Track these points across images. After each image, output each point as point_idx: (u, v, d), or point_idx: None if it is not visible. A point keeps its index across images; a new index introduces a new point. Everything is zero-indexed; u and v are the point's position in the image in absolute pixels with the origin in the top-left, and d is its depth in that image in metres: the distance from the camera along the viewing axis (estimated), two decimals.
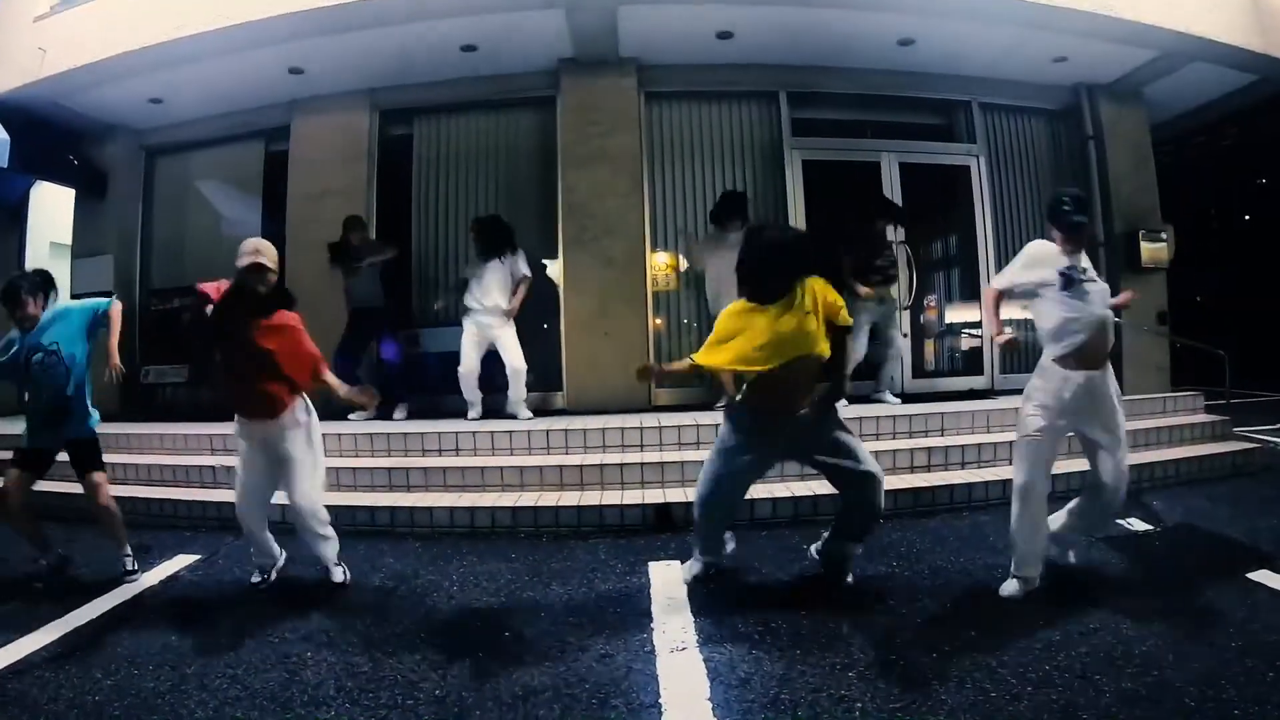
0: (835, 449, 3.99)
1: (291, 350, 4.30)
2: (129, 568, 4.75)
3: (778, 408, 3.93)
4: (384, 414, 7.47)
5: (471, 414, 7.42)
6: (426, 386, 8.28)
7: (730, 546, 4.49)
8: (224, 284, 4.28)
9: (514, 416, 7.40)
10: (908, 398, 7.74)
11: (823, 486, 5.73)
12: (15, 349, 4.61)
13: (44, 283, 4.71)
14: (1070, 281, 3.93)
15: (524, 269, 7.51)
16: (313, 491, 4.47)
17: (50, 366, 4.58)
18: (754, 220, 7.35)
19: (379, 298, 7.82)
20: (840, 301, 3.91)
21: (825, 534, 4.32)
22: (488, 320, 7.37)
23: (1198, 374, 8.64)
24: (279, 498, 4.51)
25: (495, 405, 7.52)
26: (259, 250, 4.28)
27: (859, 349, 7.39)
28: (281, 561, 4.66)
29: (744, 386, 4.05)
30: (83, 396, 4.75)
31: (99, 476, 4.75)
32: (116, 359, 4.81)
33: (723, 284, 6.66)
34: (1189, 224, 9.17)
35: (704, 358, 3.89)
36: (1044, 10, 7.28)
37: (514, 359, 7.42)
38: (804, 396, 3.94)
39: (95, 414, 4.85)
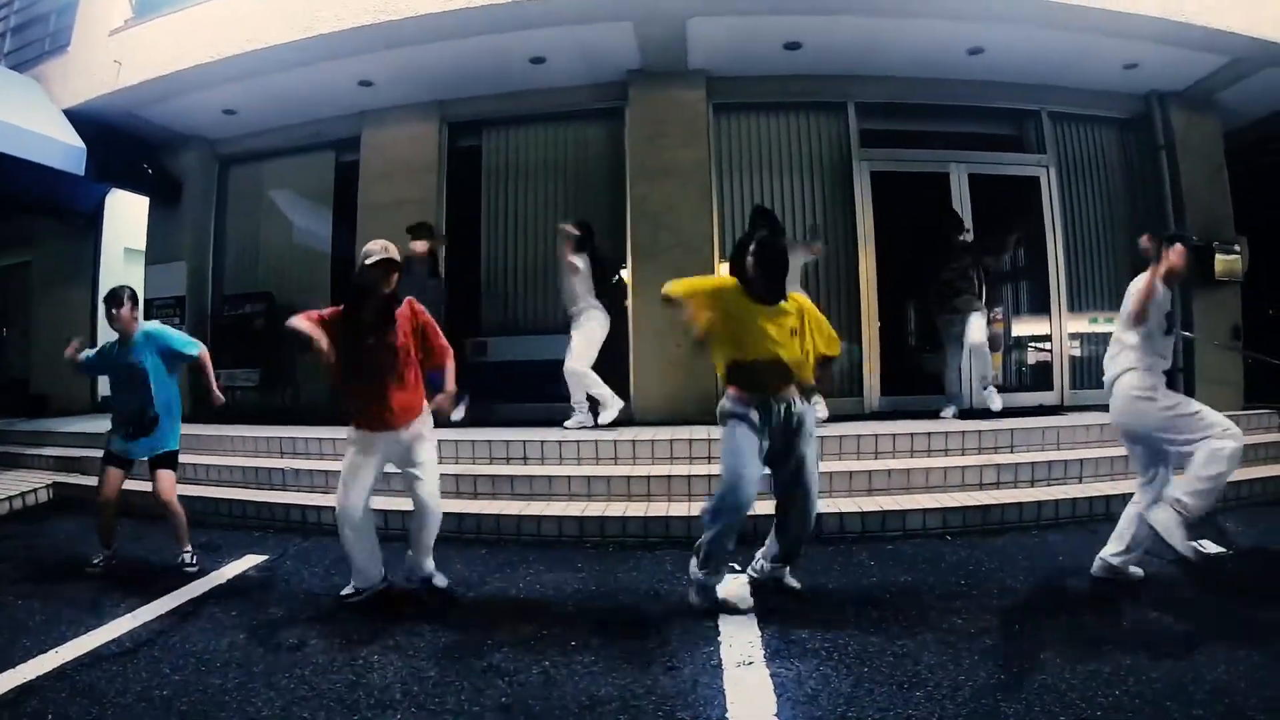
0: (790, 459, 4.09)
1: (428, 343, 4.40)
2: (189, 562, 5.00)
3: (754, 390, 4.04)
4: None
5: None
6: (495, 394, 8.40)
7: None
8: (316, 314, 4.19)
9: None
10: (973, 413, 7.64)
11: (891, 502, 5.79)
12: (111, 355, 5.03)
13: (135, 296, 5.07)
14: (1170, 328, 4.32)
15: None
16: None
17: (137, 382, 4.91)
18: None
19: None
20: (834, 335, 4.27)
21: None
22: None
23: (1273, 390, 8.43)
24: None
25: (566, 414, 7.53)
26: (387, 247, 4.20)
27: (956, 359, 7.40)
28: (382, 584, 4.43)
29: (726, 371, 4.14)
30: (170, 418, 5.07)
31: (168, 474, 5.05)
32: (218, 395, 5.31)
33: None
34: (1264, 235, 8.92)
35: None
36: (1115, 16, 7.14)
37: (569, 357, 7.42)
38: (778, 386, 4.05)
39: (179, 430, 5.17)
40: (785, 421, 4.01)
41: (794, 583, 4.36)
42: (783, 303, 4.05)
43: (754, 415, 3.97)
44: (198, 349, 5.19)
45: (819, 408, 7.01)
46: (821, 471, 5.75)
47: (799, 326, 4.07)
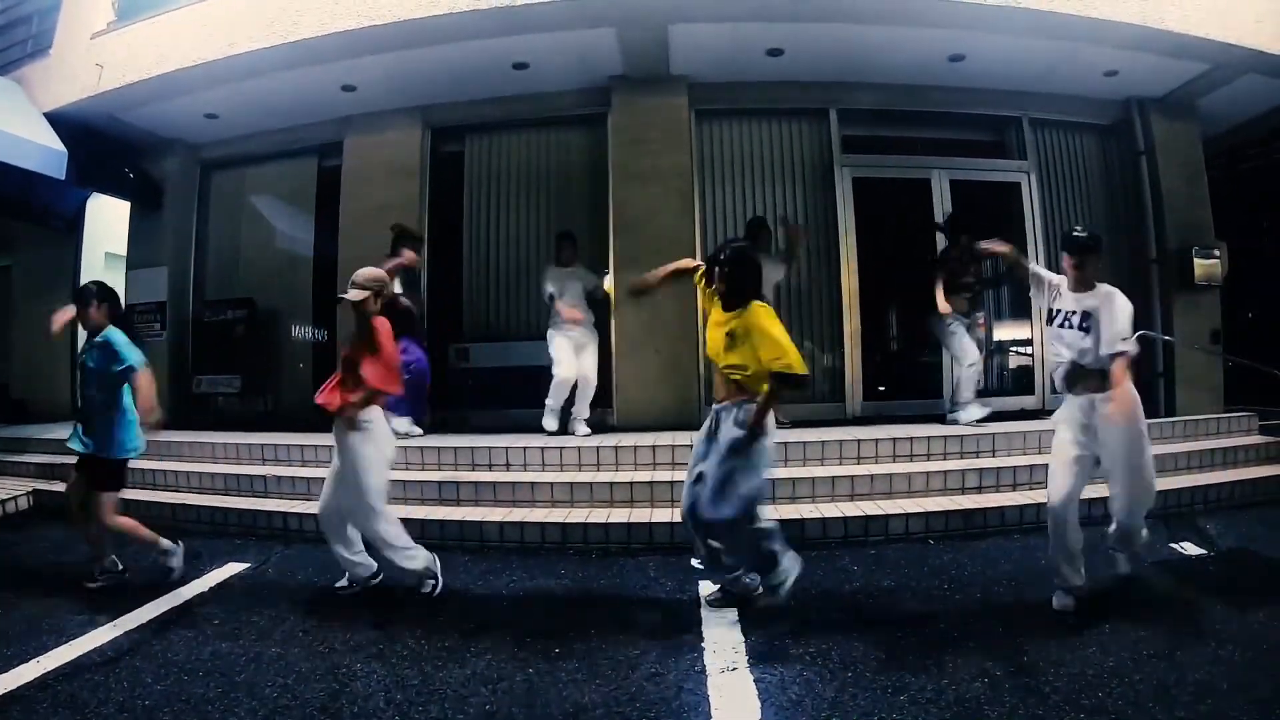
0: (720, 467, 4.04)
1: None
2: (171, 565, 4.93)
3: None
4: None
5: (554, 425, 7.39)
6: (477, 400, 8.40)
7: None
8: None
9: (572, 432, 7.40)
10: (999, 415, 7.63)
11: (873, 507, 5.80)
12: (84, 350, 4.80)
13: (105, 294, 4.85)
14: (1050, 320, 4.29)
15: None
16: None
17: (88, 380, 4.74)
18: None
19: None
20: (777, 350, 3.93)
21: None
22: (579, 331, 7.46)
23: (1252, 394, 8.51)
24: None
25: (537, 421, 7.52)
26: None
27: (969, 355, 7.33)
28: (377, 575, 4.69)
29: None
30: (106, 424, 4.73)
31: (106, 497, 4.73)
32: (149, 417, 4.79)
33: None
34: (1243, 240, 9.01)
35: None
36: (1095, 24, 7.18)
37: (593, 371, 7.51)
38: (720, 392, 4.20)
39: (132, 442, 4.83)
40: (714, 426, 4.12)
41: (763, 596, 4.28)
42: (739, 310, 4.05)
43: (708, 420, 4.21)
44: (128, 363, 4.66)
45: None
46: (804, 476, 5.91)
47: (740, 334, 4.02)
